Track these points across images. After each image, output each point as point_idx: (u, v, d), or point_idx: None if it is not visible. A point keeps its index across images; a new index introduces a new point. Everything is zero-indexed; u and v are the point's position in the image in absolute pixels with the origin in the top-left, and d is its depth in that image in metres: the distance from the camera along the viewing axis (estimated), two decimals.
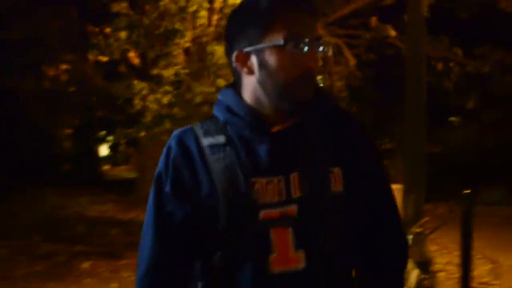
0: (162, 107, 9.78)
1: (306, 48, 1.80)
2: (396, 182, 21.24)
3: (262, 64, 1.83)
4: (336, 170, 1.86)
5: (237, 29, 1.89)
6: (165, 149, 1.93)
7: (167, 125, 9.95)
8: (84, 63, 14.21)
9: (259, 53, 1.83)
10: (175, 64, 9.78)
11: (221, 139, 1.86)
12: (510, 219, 14.49)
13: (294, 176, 1.82)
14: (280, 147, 1.84)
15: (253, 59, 1.85)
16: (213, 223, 1.80)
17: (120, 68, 14.16)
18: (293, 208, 1.80)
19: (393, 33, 15.33)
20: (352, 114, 2.03)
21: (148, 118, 9.89)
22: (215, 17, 10.09)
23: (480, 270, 8.96)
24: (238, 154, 1.83)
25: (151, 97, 9.72)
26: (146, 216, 1.92)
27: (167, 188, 1.88)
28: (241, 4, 1.91)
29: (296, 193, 1.81)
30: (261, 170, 1.82)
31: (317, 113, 1.90)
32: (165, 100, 9.73)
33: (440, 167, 18.94)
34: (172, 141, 1.93)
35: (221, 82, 9.55)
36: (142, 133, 10.18)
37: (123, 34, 9.88)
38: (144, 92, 9.80)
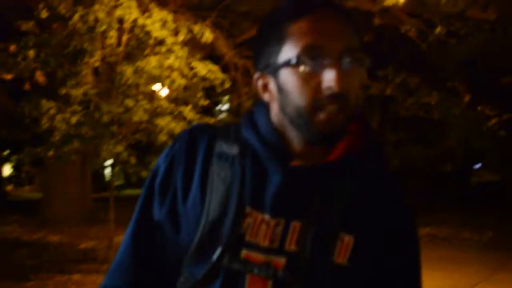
0: (70, 127, 9.73)
1: (327, 65, 1.43)
2: None
3: (279, 87, 1.50)
4: (347, 238, 1.48)
5: (257, 47, 1.57)
6: (174, 139, 1.66)
7: (76, 144, 9.95)
8: None
9: (276, 74, 1.50)
10: (84, 84, 9.76)
11: (234, 149, 1.55)
12: None
13: (295, 225, 1.47)
14: (292, 185, 1.49)
15: (272, 82, 1.53)
16: (188, 238, 1.52)
17: (25, 87, 13.97)
18: (281, 261, 1.46)
19: None
20: (395, 174, 1.62)
21: (56, 137, 9.82)
22: (125, 37, 10.10)
23: None
24: (244, 175, 1.51)
25: (59, 117, 9.66)
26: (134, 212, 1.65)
27: (157, 181, 1.60)
28: (265, 16, 1.59)
29: (290, 245, 1.47)
30: (262, 203, 1.49)
31: (352, 160, 1.52)
32: (74, 119, 9.68)
33: None
34: (184, 132, 1.64)
35: (130, 102, 9.60)
36: (51, 153, 10.09)
37: (31, 53, 9.79)
38: (52, 111, 9.73)
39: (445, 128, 18.92)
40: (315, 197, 1.48)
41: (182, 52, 10.09)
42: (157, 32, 9.68)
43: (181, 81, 9.98)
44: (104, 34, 9.63)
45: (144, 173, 10.31)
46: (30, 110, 10.01)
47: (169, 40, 9.89)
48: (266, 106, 1.58)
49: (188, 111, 10.26)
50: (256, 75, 1.57)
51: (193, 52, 10.84)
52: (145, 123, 9.94)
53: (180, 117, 10.28)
